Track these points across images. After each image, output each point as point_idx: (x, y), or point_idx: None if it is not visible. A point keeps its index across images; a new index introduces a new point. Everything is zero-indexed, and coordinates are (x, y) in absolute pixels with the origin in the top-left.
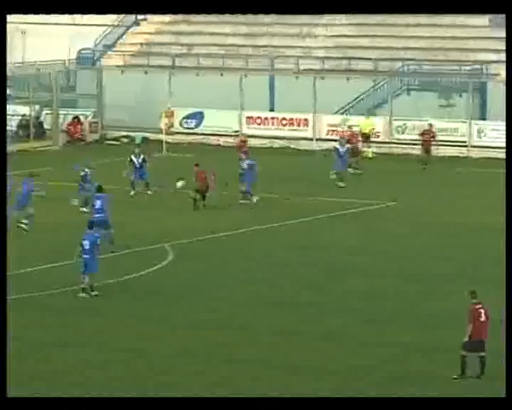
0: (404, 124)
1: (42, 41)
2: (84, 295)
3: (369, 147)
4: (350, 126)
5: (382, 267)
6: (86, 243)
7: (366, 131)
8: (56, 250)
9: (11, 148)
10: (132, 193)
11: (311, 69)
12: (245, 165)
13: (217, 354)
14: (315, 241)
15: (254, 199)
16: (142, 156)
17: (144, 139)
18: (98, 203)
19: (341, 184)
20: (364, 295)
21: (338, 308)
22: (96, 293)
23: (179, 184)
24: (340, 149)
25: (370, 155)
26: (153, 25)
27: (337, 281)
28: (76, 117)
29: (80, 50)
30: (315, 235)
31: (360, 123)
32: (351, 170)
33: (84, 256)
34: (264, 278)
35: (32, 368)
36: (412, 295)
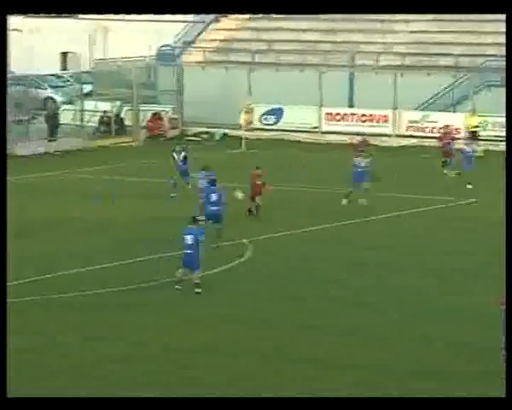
0: (485, 120)
1: (123, 38)
2: (178, 287)
3: (478, 145)
4: (447, 125)
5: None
6: (188, 238)
7: (471, 128)
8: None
9: (92, 144)
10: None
11: (391, 65)
12: (363, 164)
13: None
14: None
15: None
16: (183, 154)
17: (224, 135)
18: (214, 197)
19: (469, 185)
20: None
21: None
22: (199, 290)
23: (240, 195)
24: (467, 149)
25: (481, 154)
26: (233, 21)
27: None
28: (156, 113)
29: (161, 47)
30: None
31: (466, 120)
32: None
33: (186, 251)
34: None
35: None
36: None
